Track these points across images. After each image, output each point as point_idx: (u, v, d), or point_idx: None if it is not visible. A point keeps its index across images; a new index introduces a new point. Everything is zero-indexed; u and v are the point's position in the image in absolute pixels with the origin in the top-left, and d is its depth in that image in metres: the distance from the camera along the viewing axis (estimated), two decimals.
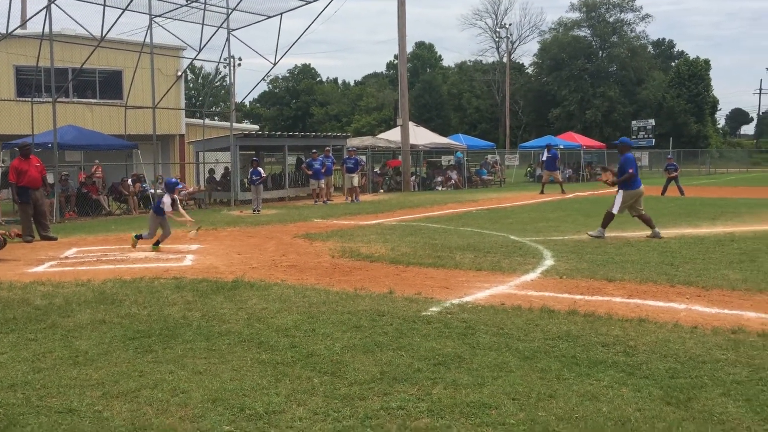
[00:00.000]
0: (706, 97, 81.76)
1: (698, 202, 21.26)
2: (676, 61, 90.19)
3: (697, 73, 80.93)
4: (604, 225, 11.86)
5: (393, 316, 6.31)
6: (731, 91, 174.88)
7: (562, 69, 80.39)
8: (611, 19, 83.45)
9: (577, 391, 4.32)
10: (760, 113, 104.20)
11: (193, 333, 5.88)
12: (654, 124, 63.85)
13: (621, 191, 11.96)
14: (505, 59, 75.13)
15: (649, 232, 11.86)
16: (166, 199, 11.38)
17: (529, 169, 42.82)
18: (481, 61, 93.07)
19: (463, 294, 7.33)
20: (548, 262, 9.40)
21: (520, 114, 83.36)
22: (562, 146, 37.66)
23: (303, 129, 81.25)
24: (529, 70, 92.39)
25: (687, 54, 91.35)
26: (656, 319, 6.10)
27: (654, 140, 61.89)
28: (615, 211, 11.85)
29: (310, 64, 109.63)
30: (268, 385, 4.52)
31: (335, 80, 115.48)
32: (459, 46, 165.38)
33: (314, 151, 24.02)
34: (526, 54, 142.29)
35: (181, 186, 12.55)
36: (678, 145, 63.22)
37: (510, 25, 73.95)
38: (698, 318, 6.15)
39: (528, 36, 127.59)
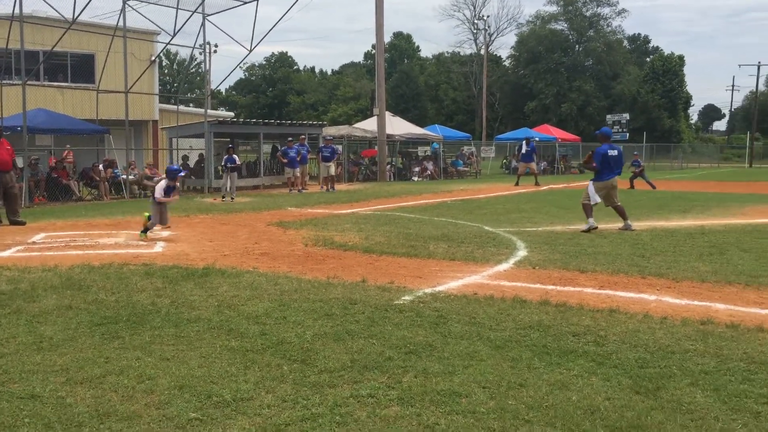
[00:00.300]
0: (679, 92, 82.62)
1: (670, 195, 21.49)
2: (651, 56, 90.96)
3: (671, 69, 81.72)
4: (588, 215, 11.83)
5: (365, 305, 6.27)
6: (704, 87, 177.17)
7: (539, 62, 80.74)
8: (588, 13, 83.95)
9: (547, 380, 4.32)
10: (732, 110, 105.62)
11: (161, 319, 5.80)
12: (628, 118, 64.47)
13: (590, 182, 12.07)
14: (482, 51, 75.23)
15: (621, 224, 11.95)
16: (161, 185, 11.13)
17: (504, 161, 43.00)
18: (458, 52, 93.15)
19: (436, 283, 7.31)
20: (521, 252, 9.42)
21: (496, 106, 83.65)
22: (537, 138, 37.82)
23: (279, 117, 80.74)
24: (507, 63, 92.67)
25: (662, 50, 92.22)
26: (627, 309, 6.14)
27: (628, 134, 62.45)
28: (589, 202, 11.88)
29: (287, 52, 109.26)
30: (237, 372, 4.46)
31: (312, 69, 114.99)
32: (437, 37, 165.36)
33: (290, 139, 23.86)
34: (504, 46, 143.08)
35: (182, 174, 12.11)
36: (651, 139, 63.91)
37: (488, 17, 74.09)
38: (668, 309, 6.19)
39: (506, 28, 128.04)
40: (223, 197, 19.22)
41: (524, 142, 28.50)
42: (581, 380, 4.32)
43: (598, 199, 11.95)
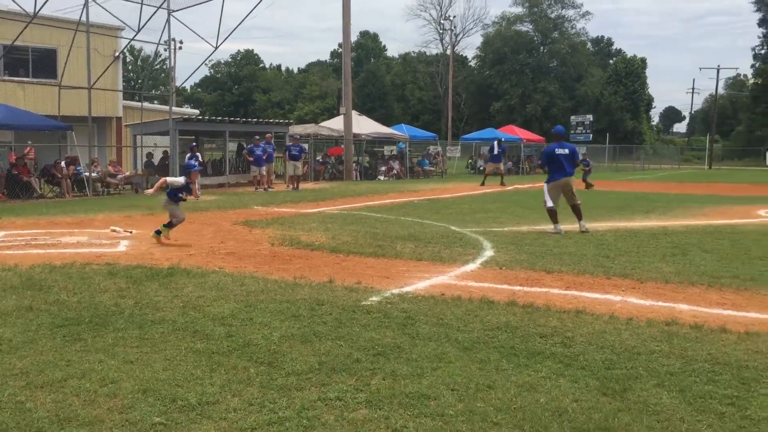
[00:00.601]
0: (641, 94, 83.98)
1: (633, 196, 21.82)
2: (614, 58, 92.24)
3: (633, 71, 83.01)
4: (553, 221, 11.79)
5: (332, 306, 6.23)
6: (665, 90, 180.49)
7: (504, 63, 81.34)
8: (553, 15, 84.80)
9: (515, 382, 4.33)
10: (692, 112, 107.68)
11: (125, 321, 5.68)
12: (592, 119, 65.40)
13: (545, 184, 12.14)
14: (448, 51, 75.50)
15: (577, 225, 11.98)
16: (179, 181, 10.46)
17: (470, 160, 43.25)
18: (425, 52, 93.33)
19: (404, 284, 7.29)
20: (488, 253, 9.46)
21: (462, 106, 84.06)
22: (503, 139, 38.12)
23: (245, 115, 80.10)
24: (472, 63, 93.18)
25: (624, 52, 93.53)
26: (593, 310, 6.19)
27: (592, 135, 63.28)
28: (549, 204, 11.95)
29: (253, 49, 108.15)
30: (202, 375, 4.39)
31: (279, 67, 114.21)
32: (403, 36, 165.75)
33: (256, 137, 23.64)
34: (470, 47, 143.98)
35: (197, 169, 11.24)
36: (614, 140, 64.86)
37: (454, 17, 74.30)
38: (633, 310, 6.26)
39: (472, 29, 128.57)
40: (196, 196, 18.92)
41: (496, 143, 28.70)
42: (549, 382, 4.34)
43: (550, 204, 11.91)
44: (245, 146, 25.94)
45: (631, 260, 8.95)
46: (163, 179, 10.67)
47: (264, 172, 23.00)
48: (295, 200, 18.35)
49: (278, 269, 8.12)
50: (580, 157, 14.12)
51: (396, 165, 33.13)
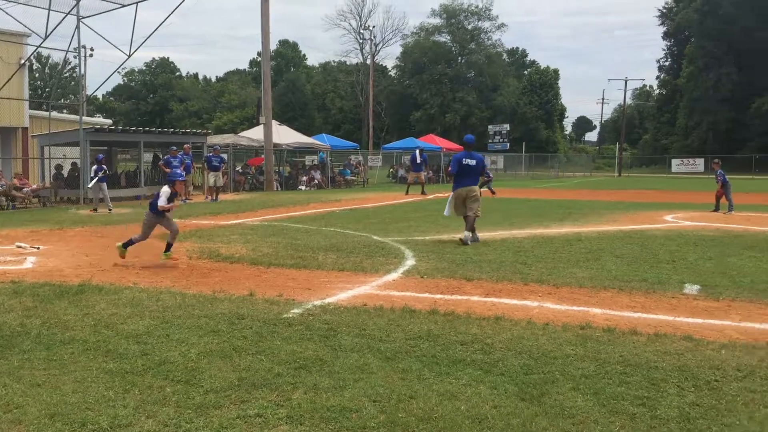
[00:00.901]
0: (555, 104, 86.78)
1: (548, 203, 22.43)
2: (529, 69, 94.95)
3: (547, 82, 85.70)
4: (469, 229, 11.69)
5: (253, 319, 6.12)
6: (577, 100, 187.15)
7: (424, 73, 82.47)
8: (470, 27, 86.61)
9: (436, 391, 4.35)
10: (603, 121, 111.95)
11: (31, 342, 5.41)
12: (509, 128, 67.08)
13: (451, 192, 12.26)
14: (368, 61, 75.91)
15: (463, 234, 11.55)
16: (164, 191, 9.48)
17: (391, 170, 43.55)
18: (345, 62, 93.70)
19: (326, 295, 7.24)
20: (410, 261, 9.52)
21: (383, 115, 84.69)
22: (423, 148, 38.57)
23: (161, 125, 78.13)
24: (392, 73, 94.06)
25: (538, 63, 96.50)
26: (511, 316, 6.30)
27: (509, 144, 64.85)
28: (446, 213, 12.09)
29: (168, 57, 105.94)
30: (115, 397, 4.22)
31: (196, 75, 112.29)
32: (324, 46, 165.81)
33: (173, 148, 23.08)
34: (390, 57, 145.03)
35: (182, 178, 10.17)
36: (530, 149, 66.63)
37: (373, 27, 74.83)
38: (550, 315, 6.41)
39: (391, 39, 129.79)
40: (96, 209, 18.28)
41: (417, 152, 28.99)
42: (469, 389, 4.38)
43: (447, 212, 11.98)
44: (161, 157, 25.28)
45: (547, 266, 9.17)
46: (161, 206, 9.48)
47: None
48: (215, 212, 18.00)
49: (196, 283, 7.92)
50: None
51: (317, 175, 33.02)
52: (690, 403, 4.16)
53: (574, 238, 12.21)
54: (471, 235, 11.59)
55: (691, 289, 7.67)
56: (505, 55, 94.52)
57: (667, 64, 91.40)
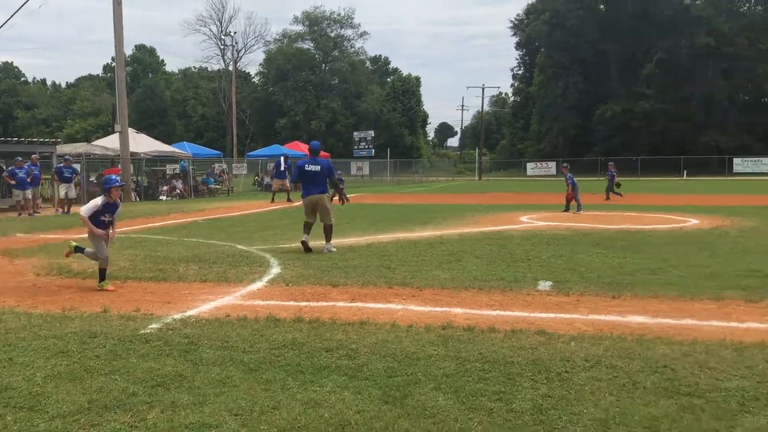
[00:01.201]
0: (417, 111, 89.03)
1: (413, 207, 22.95)
2: (392, 77, 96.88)
3: (409, 89, 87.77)
4: (328, 240, 11.49)
5: (107, 337, 5.80)
6: (438, 106, 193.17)
7: (288, 79, 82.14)
8: (332, 34, 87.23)
9: (300, 400, 4.30)
10: (463, 128, 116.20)
11: None
12: (373, 135, 68.03)
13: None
14: (231, 67, 74.55)
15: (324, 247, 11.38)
16: (94, 202, 8.31)
17: (256, 178, 42.96)
18: (206, 68, 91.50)
19: (187, 308, 7.00)
20: (275, 270, 9.40)
21: (247, 123, 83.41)
22: (288, 155, 38.36)
23: (4, 134, 72.79)
24: (256, 80, 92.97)
25: (401, 71, 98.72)
26: (376, 320, 6.36)
27: (374, 150, 65.77)
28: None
29: (12, 62, 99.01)
30: None
31: (43, 81, 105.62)
32: (183, 51, 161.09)
33: (19, 158, 21.53)
34: (252, 63, 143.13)
35: (118, 184, 8.60)
36: (395, 155, 67.95)
37: (235, 33, 73.69)
38: (413, 317, 6.53)
39: (254, 45, 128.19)
40: None
41: (282, 159, 28.73)
42: (334, 396, 4.37)
43: (309, 217, 11.49)
44: (5, 168, 23.53)
45: (411, 269, 9.35)
46: (81, 217, 8.32)
47: (29, 196, 21.00)
48: (66, 225, 16.95)
49: (44, 302, 7.42)
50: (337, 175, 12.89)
51: (179, 184, 31.97)
52: (543, 395, 4.36)
53: (437, 241, 12.54)
54: (330, 246, 11.36)
55: (545, 285, 8.08)
56: (368, 63, 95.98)
57: (520, 72, 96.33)
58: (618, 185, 26.79)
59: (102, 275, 8.25)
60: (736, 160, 63.31)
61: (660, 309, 6.80)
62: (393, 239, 12.99)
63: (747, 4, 77.94)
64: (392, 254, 10.88)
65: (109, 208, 8.37)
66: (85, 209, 8.27)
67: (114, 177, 9.00)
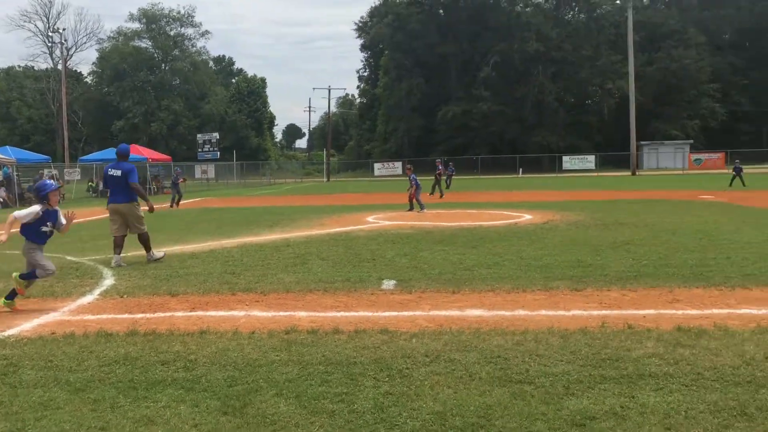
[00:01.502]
0: (264, 112, 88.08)
1: (260, 210, 22.62)
2: (236, 77, 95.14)
3: (255, 90, 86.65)
4: (147, 249, 10.73)
5: None
6: (286, 108, 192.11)
7: (124, 79, 78.38)
8: (172, 33, 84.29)
9: (132, 418, 4.05)
10: (311, 129, 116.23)
11: None
12: (218, 137, 66.46)
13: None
14: (60, 66, 69.93)
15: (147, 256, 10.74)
16: (31, 211, 7.34)
17: (91, 183, 40.62)
18: (32, 67, 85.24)
19: (6, 327, 6.42)
20: (108, 281, 8.86)
21: (80, 125, 78.60)
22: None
23: None
24: (89, 79, 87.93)
25: (245, 72, 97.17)
26: (217, 329, 6.15)
27: (219, 153, 64.26)
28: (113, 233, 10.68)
29: None
30: None
31: None
32: (5, 48, 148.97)
33: None
34: (85, 62, 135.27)
35: (55, 187, 7.76)
36: (241, 157, 66.79)
37: (64, 30, 68.91)
38: (256, 323, 6.38)
39: (86, 43, 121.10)
40: None
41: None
42: (169, 411, 4.15)
43: (113, 232, 10.59)
44: None
45: (255, 274, 9.16)
46: (11, 216, 7.32)
47: None
48: None
49: None
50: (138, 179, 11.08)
51: (2, 192, 29.50)
52: (384, 392, 4.39)
53: (283, 244, 12.40)
54: (151, 253, 10.67)
55: (388, 284, 8.20)
56: (211, 63, 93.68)
57: (366, 74, 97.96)
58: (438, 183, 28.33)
59: (26, 278, 7.32)
60: (565, 158, 67.99)
61: (496, 302, 7.11)
62: (238, 244, 12.70)
63: (571, 12, 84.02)
64: (237, 259, 10.62)
65: (50, 216, 7.49)
66: (21, 214, 7.29)
67: (49, 181, 8.12)
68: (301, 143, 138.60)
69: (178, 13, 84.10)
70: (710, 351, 5.10)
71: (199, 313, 6.94)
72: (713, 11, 78.46)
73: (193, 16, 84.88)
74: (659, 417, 3.89)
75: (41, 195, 7.53)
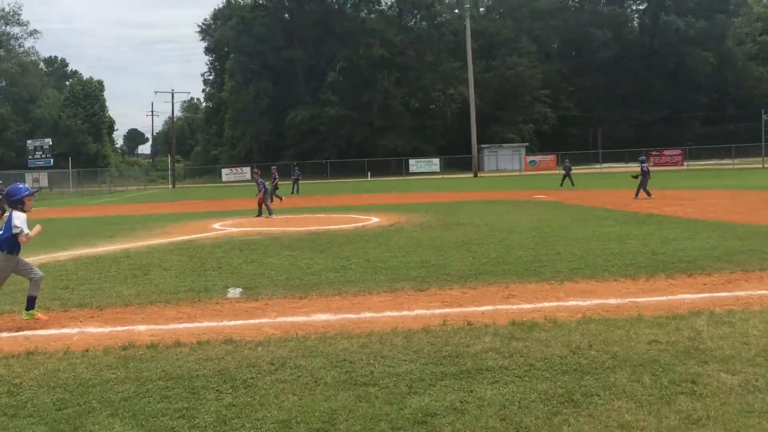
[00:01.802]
0: (102, 117, 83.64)
1: (97, 220, 21.45)
2: (71, 80, 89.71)
3: (92, 94, 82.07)
4: None
5: None
6: (126, 112, 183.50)
7: None
8: None
9: None
10: (155, 134, 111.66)
11: None
12: (51, 143, 62.32)
13: None
14: None
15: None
16: (18, 219, 6.68)
17: None
18: None
19: None
20: None
21: None
22: None
23: None
24: None
25: (81, 74, 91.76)
26: (46, 349, 5.75)
27: (53, 160, 60.26)
28: None
29: None
30: None
31: None
32: None
33: None
34: None
35: (30, 191, 7.15)
36: (78, 164, 62.96)
37: None
38: (91, 340, 6.03)
39: None
40: None
41: None
42: None
43: None
44: None
45: (91, 288, 8.67)
46: (24, 237, 6.75)
47: None
48: None
49: None
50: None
51: None
52: (227, 404, 4.30)
53: (123, 255, 11.83)
54: None
55: (234, 292, 8.04)
56: (42, 65, 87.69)
57: (211, 78, 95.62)
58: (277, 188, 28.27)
59: (32, 302, 6.92)
60: (412, 161, 69.94)
61: (342, 305, 7.17)
62: (72, 256, 11.94)
63: (414, 20, 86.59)
64: (71, 273, 9.99)
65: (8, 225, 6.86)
66: (24, 225, 6.71)
67: (21, 185, 7.37)
68: (145, 149, 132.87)
69: (2, 10, 78.00)
70: (541, 342, 5.44)
71: (27, 332, 6.46)
72: (542, 21, 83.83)
73: (19, 14, 79.04)
74: (495, 409, 4.10)
75: (14, 200, 6.95)
